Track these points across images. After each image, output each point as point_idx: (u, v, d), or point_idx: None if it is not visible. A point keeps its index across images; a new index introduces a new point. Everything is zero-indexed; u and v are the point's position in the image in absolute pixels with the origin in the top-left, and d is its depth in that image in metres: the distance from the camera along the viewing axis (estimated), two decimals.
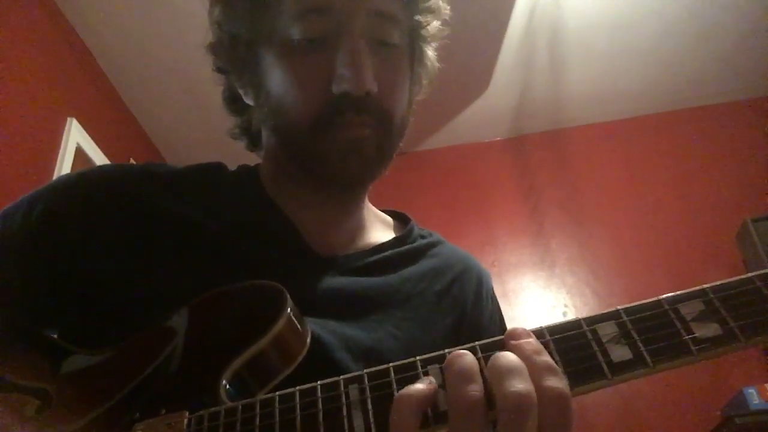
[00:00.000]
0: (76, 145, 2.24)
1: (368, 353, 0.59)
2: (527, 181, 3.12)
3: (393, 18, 0.67)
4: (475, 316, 0.73)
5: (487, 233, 2.95)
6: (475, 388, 0.39)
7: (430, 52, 0.77)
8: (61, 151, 2.17)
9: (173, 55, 2.55)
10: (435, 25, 0.74)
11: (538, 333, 0.43)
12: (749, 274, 0.43)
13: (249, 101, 0.72)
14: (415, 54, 0.73)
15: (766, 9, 2.60)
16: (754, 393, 2.13)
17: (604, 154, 3.11)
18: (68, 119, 2.24)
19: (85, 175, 0.68)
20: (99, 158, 2.39)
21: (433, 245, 0.78)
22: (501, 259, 2.88)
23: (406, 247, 0.75)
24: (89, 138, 2.34)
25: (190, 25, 2.45)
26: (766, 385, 2.15)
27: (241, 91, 0.72)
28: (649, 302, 0.43)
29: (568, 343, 0.42)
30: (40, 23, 2.20)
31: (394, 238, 0.76)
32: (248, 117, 0.76)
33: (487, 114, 3.07)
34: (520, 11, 2.51)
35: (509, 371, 0.39)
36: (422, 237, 0.79)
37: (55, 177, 2.09)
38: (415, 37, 0.73)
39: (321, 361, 0.55)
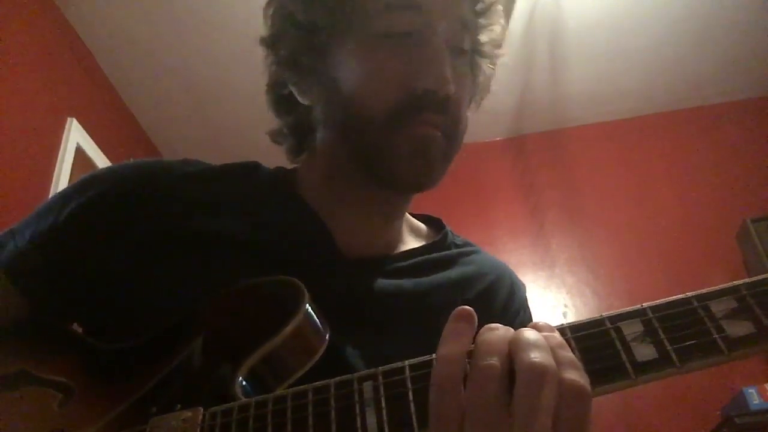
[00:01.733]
0: (76, 145, 2.24)
1: (387, 360, 0.60)
2: (527, 181, 3.12)
3: (467, 27, 0.68)
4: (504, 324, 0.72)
5: (487, 233, 2.95)
6: (496, 359, 0.39)
7: (487, 71, 0.76)
8: (61, 151, 2.17)
9: (173, 55, 2.55)
10: (495, 42, 0.74)
11: (560, 330, 0.43)
12: None
13: (304, 99, 0.70)
14: (475, 68, 0.73)
15: (766, 9, 2.60)
16: (754, 393, 2.13)
17: (604, 154, 3.11)
18: (68, 119, 2.24)
19: (117, 174, 0.68)
20: (99, 158, 2.39)
21: (467, 254, 0.76)
22: (501, 259, 2.88)
23: (439, 254, 0.73)
24: (89, 138, 2.34)
25: (190, 25, 2.45)
26: (766, 385, 2.15)
27: (294, 89, 0.70)
28: (677, 299, 0.42)
29: (590, 341, 0.42)
30: (40, 23, 2.20)
31: (426, 245, 0.75)
32: (298, 117, 0.74)
33: (487, 114, 3.06)
34: (520, 11, 2.51)
35: (532, 344, 0.39)
36: (456, 245, 0.77)
37: (55, 177, 2.09)
38: (476, 52, 0.73)
39: (338, 367, 0.54)
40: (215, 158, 0.76)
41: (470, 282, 0.72)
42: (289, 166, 0.79)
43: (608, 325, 0.42)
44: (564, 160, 3.13)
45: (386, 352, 0.58)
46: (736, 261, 2.60)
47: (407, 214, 0.80)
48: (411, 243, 0.76)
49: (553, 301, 2.81)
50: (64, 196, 0.66)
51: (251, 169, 0.75)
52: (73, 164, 2.18)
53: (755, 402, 2.12)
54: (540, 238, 2.96)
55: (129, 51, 2.54)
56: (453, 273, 0.72)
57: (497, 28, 0.73)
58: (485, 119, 3.12)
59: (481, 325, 0.67)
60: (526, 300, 0.79)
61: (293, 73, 0.70)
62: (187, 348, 0.54)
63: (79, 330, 0.64)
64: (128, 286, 0.60)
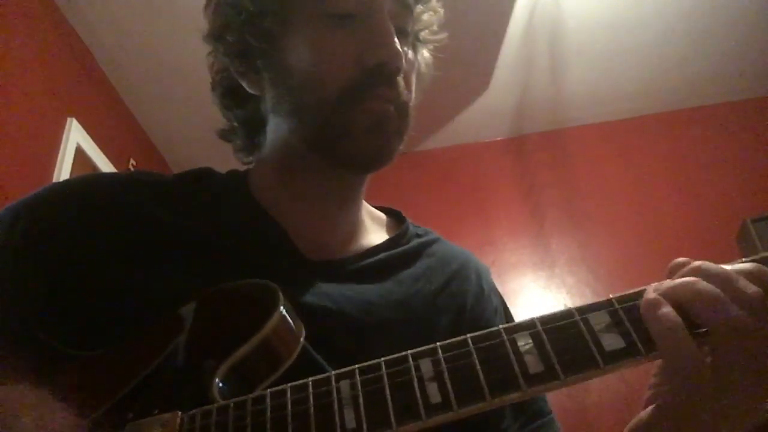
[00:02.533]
0: (76, 145, 2.24)
1: (359, 361, 0.59)
2: (527, 181, 3.12)
3: (410, 9, 0.69)
4: (477, 312, 0.71)
5: (487, 233, 2.95)
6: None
7: (427, 56, 0.77)
8: (61, 151, 2.17)
9: (173, 55, 2.55)
10: (433, 28, 0.75)
11: (530, 324, 0.44)
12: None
13: (254, 89, 0.70)
14: (417, 52, 0.74)
15: (766, 9, 2.60)
16: None
17: (604, 154, 3.11)
18: (68, 119, 2.24)
19: (69, 185, 0.67)
20: (99, 158, 2.39)
21: (428, 244, 0.76)
22: (501, 259, 2.88)
23: (401, 248, 0.73)
24: (89, 138, 2.34)
25: (190, 25, 2.45)
26: None
27: (243, 80, 0.70)
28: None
29: (560, 333, 0.43)
30: (40, 23, 2.20)
31: (389, 239, 0.74)
32: (247, 110, 0.74)
33: (487, 114, 3.07)
34: (520, 11, 2.51)
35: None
36: (418, 236, 0.77)
37: (55, 177, 2.09)
38: (416, 36, 0.73)
39: (312, 369, 0.54)
40: (215, 158, 0.76)
41: (435, 272, 0.72)
42: (241, 167, 0.79)
43: (577, 316, 0.44)
44: (564, 160, 3.13)
45: (360, 356, 0.59)
46: (736, 261, 2.60)
47: (365, 203, 0.79)
48: (374, 236, 0.75)
49: (553, 301, 2.81)
50: (12, 212, 0.64)
51: (203, 175, 0.74)
52: (73, 164, 2.18)
53: None
54: (540, 238, 2.96)
55: (129, 51, 2.54)
56: (418, 266, 0.72)
57: (433, 15, 0.74)
58: (485, 119, 3.12)
59: (451, 311, 0.68)
60: (493, 283, 0.79)
61: (241, 62, 0.70)
62: (162, 353, 0.53)
63: (46, 339, 0.61)
64: (91, 295, 0.59)
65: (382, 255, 0.71)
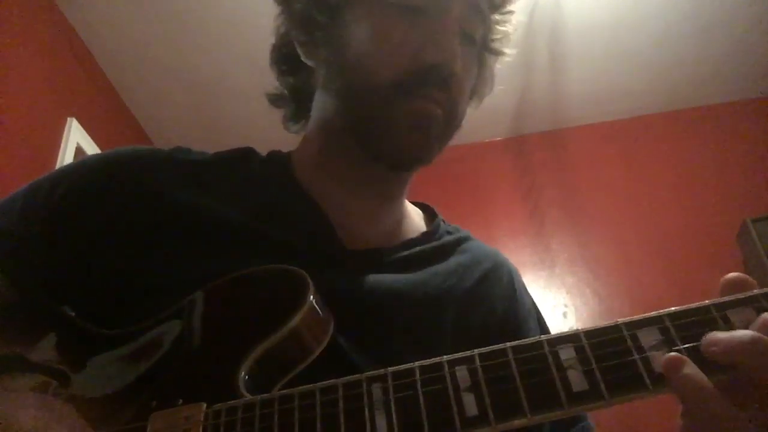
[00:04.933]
0: (76, 145, 2.24)
1: (388, 356, 0.56)
2: (527, 181, 3.12)
3: (482, 17, 0.68)
4: (510, 315, 0.70)
5: (487, 233, 2.95)
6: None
7: (492, 69, 0.76)
8: (61, 151, 2.17)
9: (173, 55, 2.55)
10: (506, 40, 0.75)
11: (574, 336, 0.41)
12: None
13: (309, 60, 0.69)
14: (482, 62, 0.73)
15: (765, 9, 2.60)
16: None
17: (604, 154, 3.11)
18: (68, 119, 2.24)
19: (109, 159, 0.67)
20: None
21: (461, 241, 0.75)
22: None
23: (435, 243, 0.72)
24: (89, 138, 2.34)
25: (190, 25, 2.45)
26: None
27: (301, 49, 0.69)
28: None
29: (605, 348, 0.40)
30: (40, 23, 2.20)
31: (423, 233, 0.73)
32: (299, 79, 0.73)
33: (487, 114, 3.07)
34: (520, 11, 2.50)
35: None
36: (449, 233, 0.76)
37: None
38: (485, 46, 0.73)
39: (340, 364, 0.53)
40: None
41: (468, 269, 0.71)
42: (285, 134, 0.77)
43: (625, 332, 0.41)
44: (564, 160, 3.13)
45: (388, 347, 0.57)
46: (736, 261, 2.60)
47: (405, 200, 0.78)
48: (411, 229, 0.75)
49: (553, 301, 2.81)
50: (52, 179, 0.64)
51: (244, 154, 0.73)
52: None
53: None
54: (540, 238, 2.96)
55: (129, 51, 2.53)
56: (450, 263, 0.70)
57: (509, 27, 0.74)
58: (485, 119, 3.11)
59: (482, 311, 0.67)
60: (523, 283, 0.78)
61: (303, 31, 0.69)
62: (185, 335, 0.52)
63: (71, 313, 0.62)
64: (121, 272, 0.58)
65: (417, 248, 0.69)
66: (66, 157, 2.16)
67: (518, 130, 3.22)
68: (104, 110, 2.63)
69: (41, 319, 0.59)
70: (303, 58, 0.70)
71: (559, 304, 2.79)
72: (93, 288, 0.59)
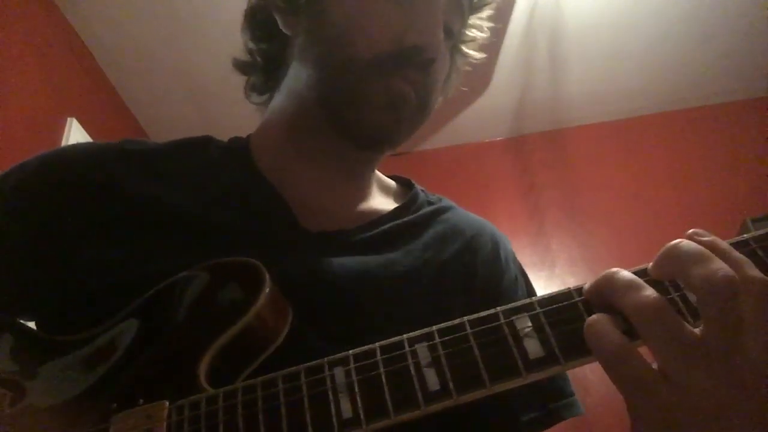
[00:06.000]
0: None
1: (354, 342, 0.54)
2: (527, 181, 3.11)
3: (462, 13, 0.68)
4: (492, 283, 0.68)
5: None
6: (650, 292, 0.37)
7: (459, 69, 0.76)
8: None
9: (173, 55, 2.55)
10: (477, 44, 0.75)
11: (529, 305, 0.42)
12: None
13: (287, 28, 0.68)
14: (453, 59, 0.73)
15: (765, 9, 2.60)
16: None
17: (604, 154, 3.11)
18: (68, 119, 2.24)
19: (56, 155, 0.65)
20: None
21: (440, 212, 0.72)
22: None
23: (409, 217, 0.69)
24: (89, 138, 2.34)
25: (191, 25, 2.45)
26: None
27: (279, 16, 0.68)
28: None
29: (559, 315, 0.41)
30: (40, 23, 2.20)
31: (395, 208, 0.71)
32: (273, 47, 0.71)
33: (487, 114, 3.07)
34: (520, 11, 2.51)
35: (699, 255, 0.38)
36: (429, 203, 0.74)
37: None
38: (458, 44, 0.73)
39: (302, 351, 0.50)
40: None
41: (446, 240, 0.68)
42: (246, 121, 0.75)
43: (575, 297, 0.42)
44: (564, 160, 3.13)
45: (356, 331, 0.54)
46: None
47: (377, 172, 0.77)
48: (379, 205, 0.72)
49: None
50: (4, 174, 0.62)
51: (202, 142, 0.72)
52: None
53: None
54: (540, 238, 2.96)
55: (129, 51, 2.53)
56: (426, 236, 0.68)
57: (481, 33, 0.74)
58: (485, 119, 3.12)
59: (462, 280, 0.65)
60: (513, 253, 0.76)
61: None
62: (142, 335, 0.51)
63: (28, 323, 0.60)
64: (72, 274, 0.56)
65: (387, 225, 0.67)
66: None
67: (518, 130, 3.22)
68: (104, 110, 2.62)
69: None
70: (281, 26, 0.68)
71: None
72: (43, 292, 0.57)
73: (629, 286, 0.38)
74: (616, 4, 2.52)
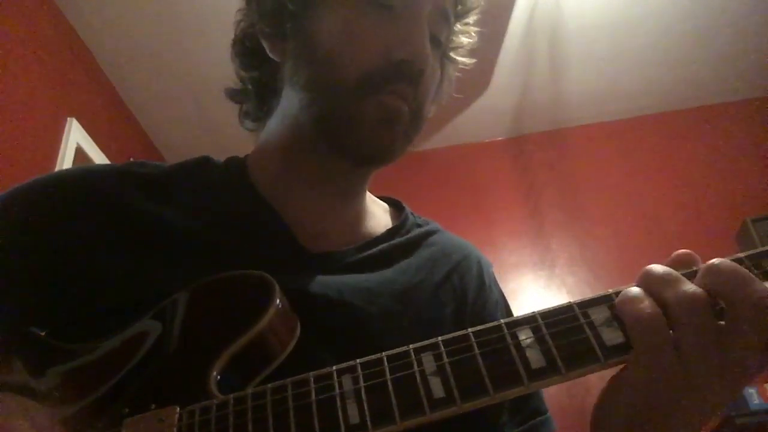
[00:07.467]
0: (76, 145, 2.25)
1: (357, 356, 0.58)
2: (527, 181, 3.12)
3: (447, 21, 0.68)
4: (478, 305, 0.70)
5: (487, 233, 2.95)
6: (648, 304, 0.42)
7: (451, 74, 0.77)
8: (61, 151, 2.17)
9: (173, 56, 2.56)
10: (464, 50, 0.75)
11: (531, 318, 0.44)
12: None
13: (276, 54, 0.69)
14: (443, 67, 0.74)
15: (765, 9, 2.60)
16: (754, 393, 2.14)
17: (604, 154, 3.11)
18: (68, 119, 2.25)
19: (59, 179, 0.66)
20: (99, 158, 2.39)
21: (429, 234, 0.75)
22: (501, 259, 2.88)
23: (402, 238, 0.72)
24: (89, 138, 2.34)
25: (191, 25, 2.45)
26: (765, 385, 2.15)
27: (267, 42, 0.69)
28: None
29: (560, 327, 0.43)
30: (40, 23, 2.20)
31: (389, 229, 0.73)
32: (264, 74, 0.72)
33: (487, 114, 3.07)
34: (520, 11, 2.51)
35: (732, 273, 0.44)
36: (418, 226, 0.76)
37: None
38: (447, 51, 0.73)
39: (309, 361, 0.52)
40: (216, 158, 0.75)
41: (437, 263, 0.70)
42: (240, 150, 0.76)
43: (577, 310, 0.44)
44: (564, 160, 3.13)
45: (358, 345, 0.55)
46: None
47: (369, 193, 0.78)
48: (376, 225, 0.74)
49: (553, 301, 2.81)
50: (4, 202, 0.62)
51: (201, 163, 0.72)
52: (73, 164, 2.18)
53: (755, 402, 2.12)
54: (540, 238, 2.96)
55: (129, 51, 2.54)
56: (419, 256, 0.70)
57: (469, 39, 0.75)
58: (485, 119, 3.12)
59: (454, 303, 0.67)
60: (494, 276, 0.78)
61: (270, 23, 0.68)
62: (155, 344, 0.52)
63: (39, 332, 0.61)
64: (76, 286, 0.58)
65: (382, 246, 0.69)
66: (66, 157, 2.16)
67: (518, 130, 3.22)
68: (104, 110, 2.63)
69: (8, 340, 0.58)
70: (269, 52, 0.69)
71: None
72: (54, 306, 0.58)
73: (676, 279, 0.45)
74: (616, 4, 2.52)
